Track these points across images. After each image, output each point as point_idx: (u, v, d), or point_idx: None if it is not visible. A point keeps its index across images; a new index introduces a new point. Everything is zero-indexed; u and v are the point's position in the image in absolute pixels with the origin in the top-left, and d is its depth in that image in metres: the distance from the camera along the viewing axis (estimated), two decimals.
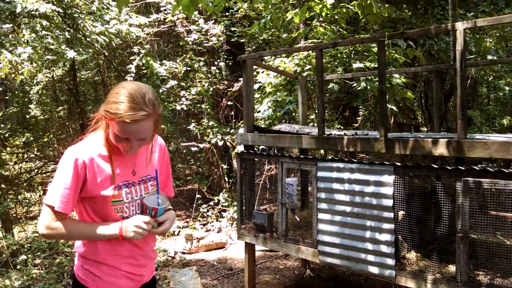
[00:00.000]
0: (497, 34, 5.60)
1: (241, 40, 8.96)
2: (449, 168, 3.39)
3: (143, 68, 7.79)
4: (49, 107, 11.18)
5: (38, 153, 10.77)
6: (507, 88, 7.28)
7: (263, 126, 6.96)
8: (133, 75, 7.58)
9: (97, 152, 1.83)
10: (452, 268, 3.50)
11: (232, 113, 8.81)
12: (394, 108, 5.52)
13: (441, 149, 3.44)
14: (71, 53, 6.67)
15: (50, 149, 11.91)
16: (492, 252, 3.59)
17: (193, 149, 8.09)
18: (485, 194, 3.36)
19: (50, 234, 1.83)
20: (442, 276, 3.47)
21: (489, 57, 6.00)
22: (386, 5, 5.40)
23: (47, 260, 6.26)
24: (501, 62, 5.93)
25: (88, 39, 7.43)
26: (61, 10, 6.93)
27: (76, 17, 7.09)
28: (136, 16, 7.76)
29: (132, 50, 7.93)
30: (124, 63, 8.47)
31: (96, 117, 1.88)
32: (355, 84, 5.91)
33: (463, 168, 3.31)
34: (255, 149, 5.17)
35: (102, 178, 1.81)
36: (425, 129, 11.17)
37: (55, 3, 6.77)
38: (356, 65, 5.69)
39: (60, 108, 11.22)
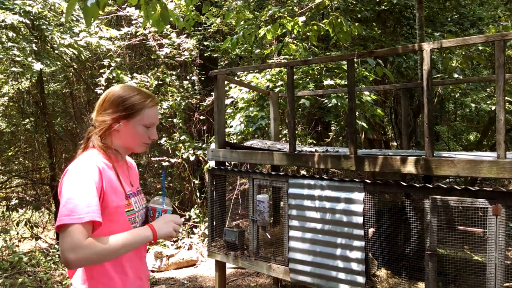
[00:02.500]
0: (463, 53, 5.80)
1: (214, 55, 8.95)
2: (417, 185, 3.42)
3: (113, 81, 7.65)
4: (15, 120, 10.83)
5: (2, 167, 10.38)
6: (473, 105, 7.52)
7: (235, 141, 6.92)
8: (103, 88, 7.43)
9: (102, 163, 1.72)
10: (421, 285, 3.51)
11: (205, 127, 8.74)
12: (365, 124, 5.58)
13: (409, 167, 3.48)
14: (37, 65, 6.49)
15: (16, 162, 11.51)
16: (460, 269, 3.63)
17: (164, 163, 7.96)
18: (453, 210, 3.41)
19: (83, 257, 1.52)
20: None
21: (455, 75, 6.19)
22: (356, 24, 5.50)
23: (8, 280, 5.98)
24: (466, 81, 6.13)
25: (56, 51, 7.25)
26: (28, 22, 6.75)
27: (44, 28, 6.92)
28: (107, 29, 7.65)
29: (102, 63, 7.79)
30: (93, 76, 8.31)
31: (95, 133, 1.81)
32: (326, 101, 5.96)
33: (430, 186, 3.35)
34: (227, 165, 5.12)
35: (114, 187, 1.72)
36: (395, 144, 11.36)
37: (22, 14, 6.60)
38: (327, 82, 5.75)
39: (27, 120, 10.88)
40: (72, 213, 1.54)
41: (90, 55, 7.89)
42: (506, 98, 7.14)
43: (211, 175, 4.96)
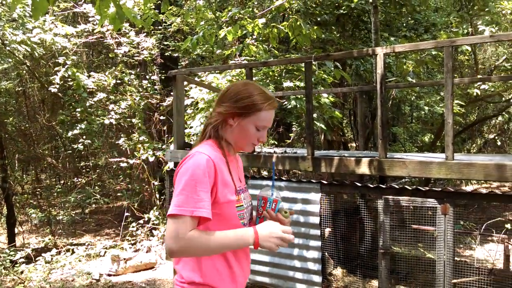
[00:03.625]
0: (417, 58, 6.01)
1: (175, 54, 8.84)
2: (371, 186, 3.51)
3: (69, 79, 7.41)
4: None
5: None
6: (426, 108, 7.81)
7: (195, 142, 6.85)
8: (57, 86, 7.18)
9: (217, 156, 1.70)
10: (375, 283, 3.61)
11: (165, 128, 8.61)
12: (323, 126, 5.67)
13: (363, 168, 3.56)
14: None
15: None
16: (412, 266, 3.77)
17: (122, 164, 7.78)
18: (405, 210, 3.53)
19: (182, 248, 1.56)
20: None
21: (409, 79, 6.40)
22: (315, 27, 5.58)
23: None
24: (419, 85, 6.36)
25: (8, 48, 6.94)
26: None
27: None
28: (62, 26, 7.39)
29: (57, 60, 7.52)
30: (48, 74, 8.01)
31: (211, 124, 1.78)
32: (285, 102, 6.02)
33: (383, 186, 3.45)
34: None
35: (226, 182, 1.70)
36: (354, 145, 11.63)
37: None
38: (287, 83, 5.81)
39: None
40: (184, 205, 1.57)
41: (44, 53, 7.59)
42: (457, 101, 7.47)
43: (170, 176, 4.89)
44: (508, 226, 7.24)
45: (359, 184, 3.59)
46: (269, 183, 3.82)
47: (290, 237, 1.65)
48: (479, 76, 7.92)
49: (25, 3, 6.66)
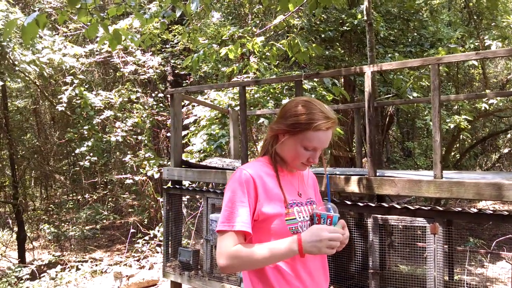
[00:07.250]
0: (415, 75, 5.99)
1: (182, 72, 8.98)
2: (360, 204, 3.48)
3: (77, 98, 7.59)
4: None
5: None
6: (431, 123, 7.69)
7: (198, 159, 6.91)
8: (65, 105, 7.36)
9: (264, 171, 1.73)
10: None
11: None
12: None
13: (352, 186, 3.54)
14: None
15: None
16: (403, 285, 3.68)
17: (128, 181, 7.87)
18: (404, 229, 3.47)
19: (231, 262, 1.59)
20: None
21: (408, 95, 6.34)
22: (314, 45, 5.61)
23: None
24: (414, 101, 6.28)
25: (17, 68, 7.16)
26: None
27: (5, 45, 6.84)
28: (72, 46, 7.61)
29: (66, 79, 7.73)
30: (58, 93, 8.23)
31: (266, 139, 1.80)
32: None
33: (373, 205, 3.41)
34: (189, 183, 5.10)
35: (272, 196, 1.70)
36: (363, 160, 11.51)
37: None
38: (285, 101, 5.83)
39: None
40: (226, 220, 1.63)
41: (53, 72, 7.81)
42: (464, 116, 7.35)
43: (167, 194, 4.93)
44: None
45: (348, 202, 3.55)
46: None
47: (339, 236, 1.56)
48: (480, 92, 7.79)
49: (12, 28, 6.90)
